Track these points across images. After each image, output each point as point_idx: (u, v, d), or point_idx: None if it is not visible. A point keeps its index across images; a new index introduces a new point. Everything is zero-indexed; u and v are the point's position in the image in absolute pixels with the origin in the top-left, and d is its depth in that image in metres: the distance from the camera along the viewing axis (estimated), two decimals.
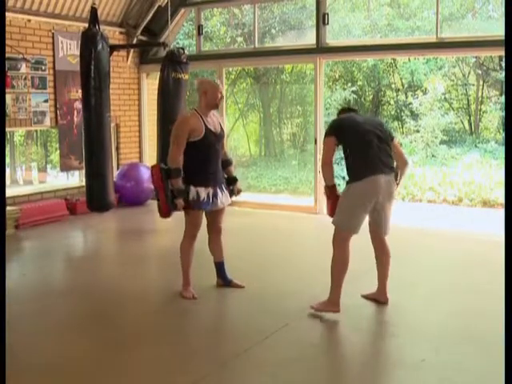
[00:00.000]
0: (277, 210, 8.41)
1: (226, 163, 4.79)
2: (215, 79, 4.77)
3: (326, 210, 4.45)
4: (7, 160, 9.91)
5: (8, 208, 6.95)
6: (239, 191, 4.86)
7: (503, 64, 13.18)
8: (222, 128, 4.65)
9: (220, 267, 4.89)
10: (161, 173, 4.45)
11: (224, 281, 4.90)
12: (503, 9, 10.17)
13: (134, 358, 3.60)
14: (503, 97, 13.40)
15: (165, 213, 4.54)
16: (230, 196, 4.77)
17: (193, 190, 4.47)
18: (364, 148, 4.21)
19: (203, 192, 4.49)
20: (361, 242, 5.21)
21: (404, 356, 3.66)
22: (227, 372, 3.41)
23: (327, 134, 4.28)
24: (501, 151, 12.51)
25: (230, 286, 4.88)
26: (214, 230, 4.79)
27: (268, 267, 5.42)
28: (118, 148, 9.22)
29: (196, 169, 4.49)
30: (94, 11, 6.38)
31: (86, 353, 3.67)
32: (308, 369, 3.41)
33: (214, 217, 4.73)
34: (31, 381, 3.32)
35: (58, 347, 3.78)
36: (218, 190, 4.59)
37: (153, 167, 4.59)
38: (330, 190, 4.27)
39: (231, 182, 4.79)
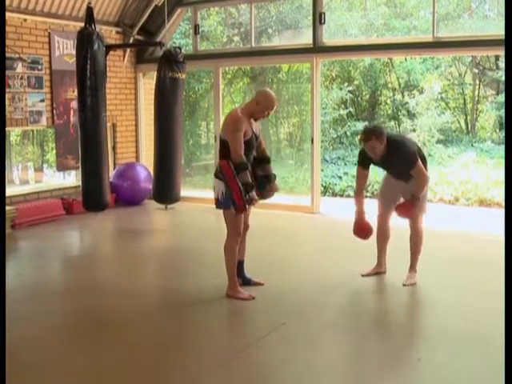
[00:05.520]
0: (273, 209, 8.40)
1: (268, 161, 4.78)
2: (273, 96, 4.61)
3: (408, 213, 5.01)
4: None
5: None
6: (276, 189, 4.82)
7: (499, 63, 13.20)
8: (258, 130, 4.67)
9: (239, 266, 4.80)
10: (231, 168, 4.32)
11: (243, 280, 4.84)
12: (500, 8, 10.20)
13: (132, 357, 3.60)
14: (499, 96, 13.42)
15: (241, 208, 4.39)
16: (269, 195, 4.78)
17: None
18: None
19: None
20: (357, 243, 5.22)
21: (401, 355, 3.67)
22: (224, 371, 3.41)
23: (417, 159, 4.75)
24: (497, 150, 12.52)
25: (251, 285, 4.83)
26: (245, 228, 4.75)
27: (264, 266, 5.42)
28: (114, 147, 9.21)
29: None
30: (89, 10, 6.39)
31: (83, 353, 3.66)
32: (305, 368, 3.41)
33: (246, 214, 4.72)
34: (31, 380, 3.31)
35: (56, 347, 3.78)
36: None
37: (223, 163, 4.37)
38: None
39: (271, 179, 4.75)
